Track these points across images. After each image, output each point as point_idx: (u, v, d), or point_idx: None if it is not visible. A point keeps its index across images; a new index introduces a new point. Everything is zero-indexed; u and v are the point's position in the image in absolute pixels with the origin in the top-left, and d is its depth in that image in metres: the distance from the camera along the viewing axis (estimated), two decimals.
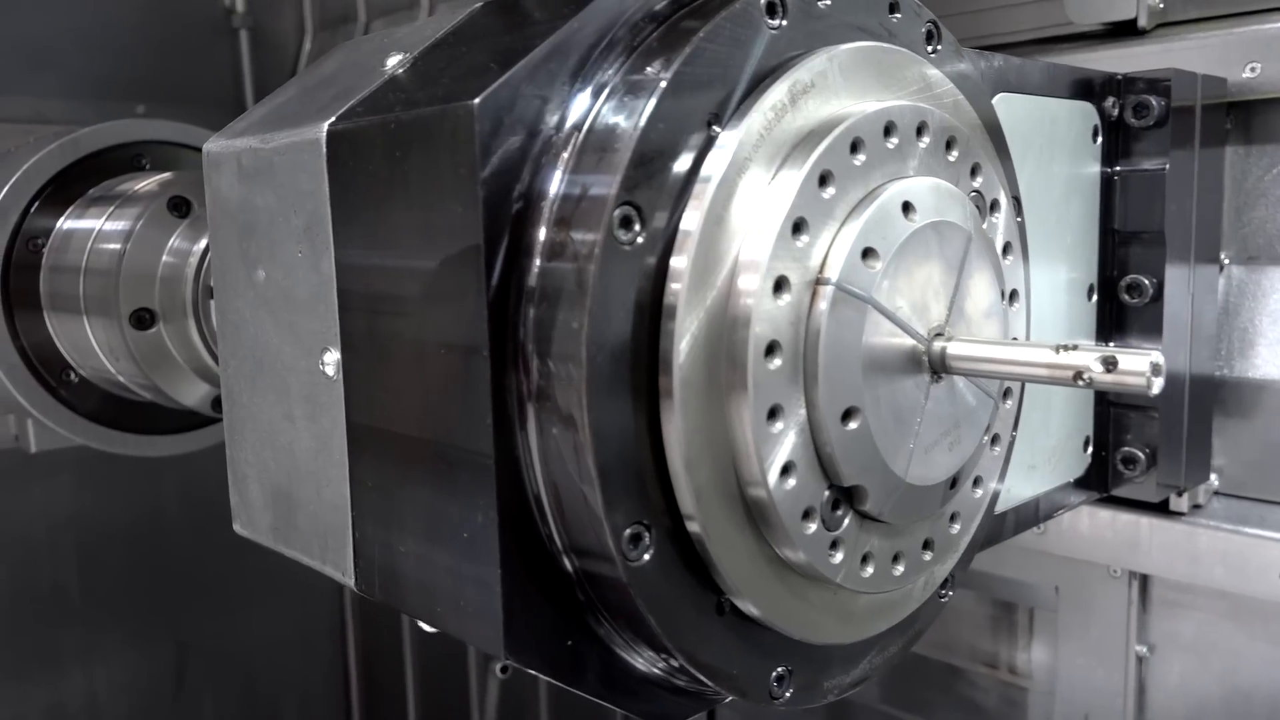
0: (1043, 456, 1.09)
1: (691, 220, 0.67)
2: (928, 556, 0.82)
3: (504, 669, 1.98)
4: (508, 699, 2.50)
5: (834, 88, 0.74)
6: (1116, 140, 1.15)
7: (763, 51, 0.72)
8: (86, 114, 2.20)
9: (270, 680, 2.91)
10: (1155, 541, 1.35)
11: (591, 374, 0.64)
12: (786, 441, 0.69)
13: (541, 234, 0.67)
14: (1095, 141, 1.13)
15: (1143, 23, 1.35)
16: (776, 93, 0.70)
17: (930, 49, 0.84)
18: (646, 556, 0.68)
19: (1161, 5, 1.35)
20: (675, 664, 0.73)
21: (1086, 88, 1.12)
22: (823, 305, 0.69)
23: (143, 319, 1.41)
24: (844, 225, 0.71)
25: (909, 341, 0.74)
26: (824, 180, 0.70)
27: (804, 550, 0.72)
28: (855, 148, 0.72)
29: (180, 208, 1.43)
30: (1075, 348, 0.72)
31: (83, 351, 1.58)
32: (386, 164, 0.73)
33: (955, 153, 0.80)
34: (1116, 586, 1.44)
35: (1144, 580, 1.45)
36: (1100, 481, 1.20)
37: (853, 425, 0.71)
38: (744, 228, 0.68)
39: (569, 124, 0.69)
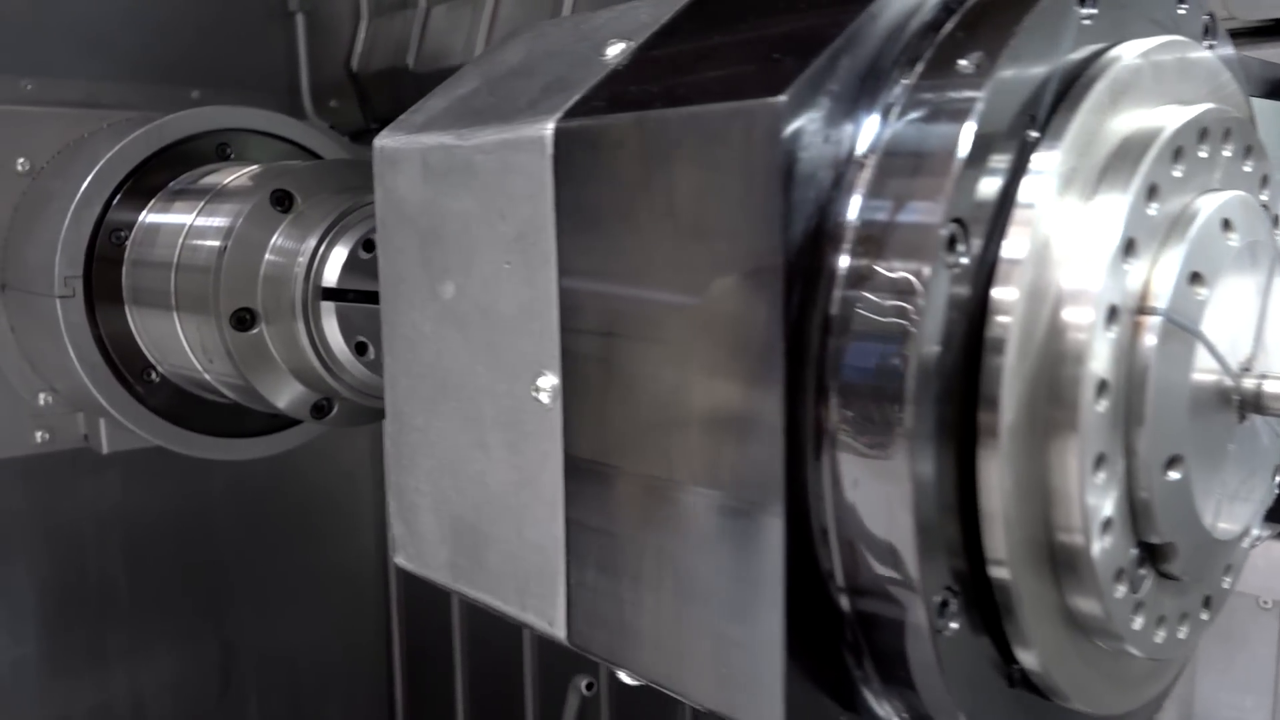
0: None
1: (1018, 243, 0.57)
2: (1205, 615, 0.73)
3: (589, 685, 1.88)
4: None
5: (1146, 88, 0.64)
6: None
7: (1071, 46, 0.62)
8: (139, 98, 2.09)
9: (315, 681, 2.82)
10: None
11: (917, 415, 0.54)
12: (1110, 492, 0.60)
13: (844, 255, 0.57)
14: None
15: None
16: (1097, 94, 0.61)
17: (1207, 43, 0.75)
18: (954, 625, 0.59)
19: None
20: None
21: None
22: (1150, 339, 0.60)
23: (243, 319, 1.31)
24: (1166, 246, 0.62)
25: (1223, 379, 0.65)
26: (1151, 194, 0.61)
27: (1112, 614, 0.62)
28: (1177, 157, 0.63)
29: (283, 202, 1.32)
30: None
31: (168, 350, 1.47)
32: (639, 167, 0.63)
33: (1251, 162, 0.70)
34: (1266, 619, 1.35)
35: None
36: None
37: (1175, 475, 0.62)
38: (1068, 249, 0.58)
39: (867, 127, 0.59)
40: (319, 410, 1.38)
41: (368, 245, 1.28)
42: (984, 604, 0.60)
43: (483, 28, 1.95)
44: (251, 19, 2.63)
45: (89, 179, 1.45)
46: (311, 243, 1.27)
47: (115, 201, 1.48)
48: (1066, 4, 0.61)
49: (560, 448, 0.70)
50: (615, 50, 0.71)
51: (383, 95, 2.13)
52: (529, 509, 0.74)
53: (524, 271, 0.71)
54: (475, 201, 0.74)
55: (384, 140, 0.82)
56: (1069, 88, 0.61)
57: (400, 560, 0.87)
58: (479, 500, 0.78)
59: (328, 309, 1.26)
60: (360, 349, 1.28)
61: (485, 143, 0.72)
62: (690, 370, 0.61)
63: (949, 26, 0.61)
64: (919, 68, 0.60)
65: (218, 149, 1.56)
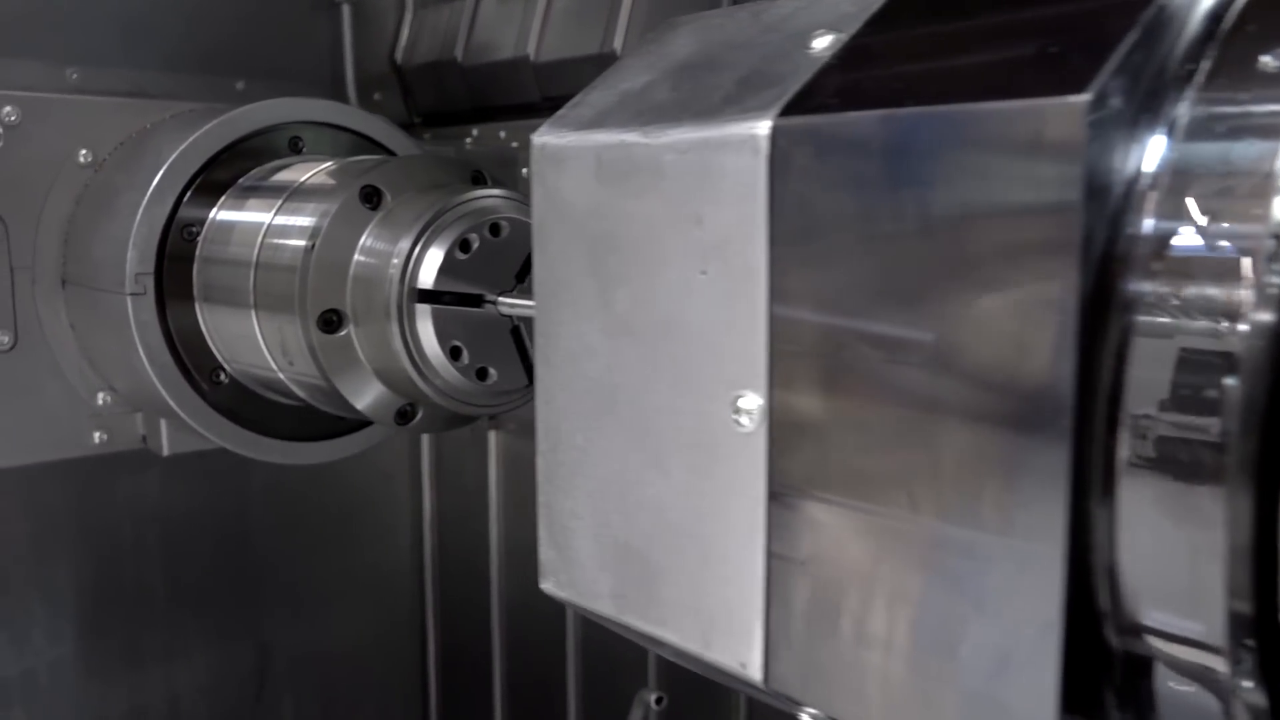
0: None
1: None
2: None
3: (659, 700, 1.82)
4: None
5: None
6: None
7: None
8: (183, 89, 2.02)
9: (350, 684, 2.76)
10: None
11: (1238, 452, 0.48)
12: None
13: (1140, 278, 0.51)
14: None
15: None
16: None
17: None
18: (1248, 682, 0.52)
19: None
20: None
21: None
22: None
23: (330, 321, 1.24)
24: None
25: None
26: None
27: None
28: None
29: (372, 199, 1.25)
30: None
31: (240, 350, 1.40)
32: (884, 171, 0.56)
33: None
34: None
35: None
36: None
37: None
38: None
39: (1155, 135, 0.53)
40: (403, 416, 1.31)
41: (463, 246, 1.21)
42: (1266, 653, 0.54)
43: (536, 22, 1.88)
44: (296, 9, 2.55)
45: (161, 172, 1.38)
46: (405, 244, 1.20)
47: (187, 196, 1.41)
48: None
49: (763, 475, 0.64)
50: (824, 42, 0.65)
51: (427, 89, 2.06)
52: (718, 540, 0.67)
53: (724, 282, 0.64)
54: (663, 205, 0.67)
55: (545, 138, 0.75)
56: None
57: (549, 587, 0.80)
58: (652, 528, 0.71)
59: (423, 312, 1.20)
60: (454, 353, 1.21)
61: (679, 141, 0.66)
62: (947, 398, 0.55)
63: (1233, 16, 0.55)
64: (1205, 64, 0.54)
65: (290, 142, 1.48)
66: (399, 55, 2.16)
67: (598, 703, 2.31)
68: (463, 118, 1.95)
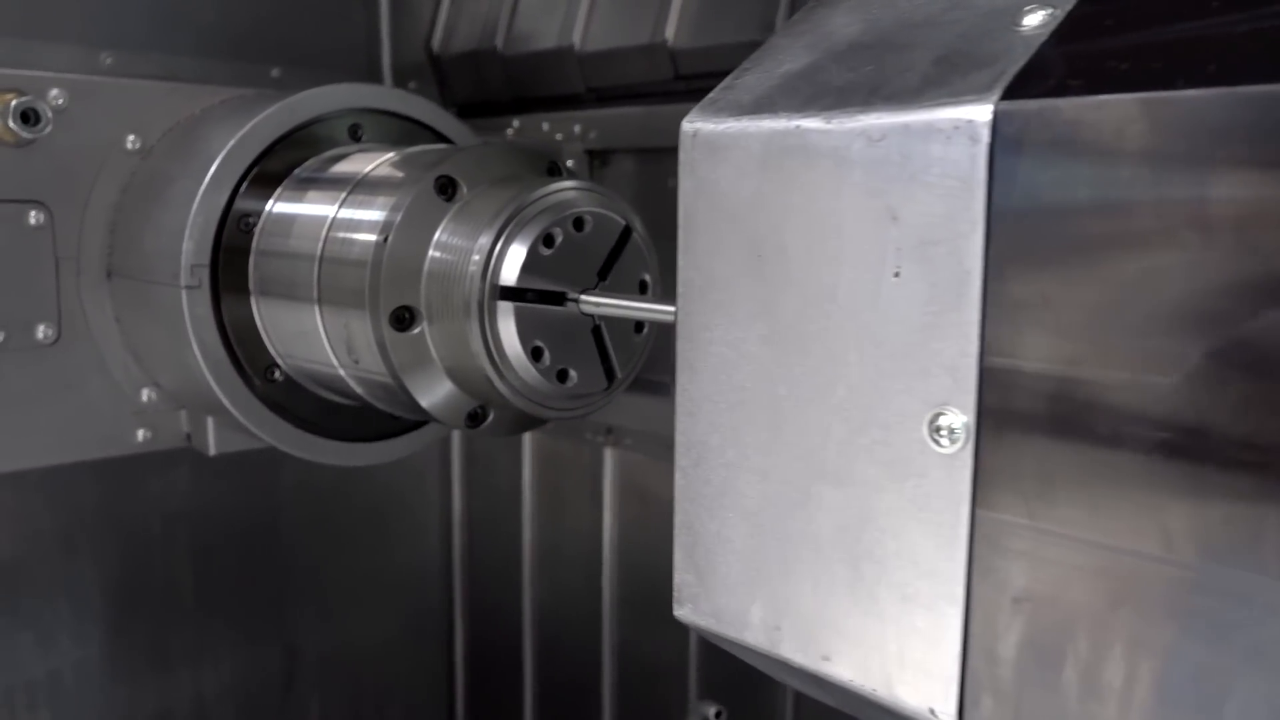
0: None
1: None
2: None
3: (719, 714, 1.74)
4: None
5: None
6: None
7: None
8: (218, 75, 1.95)
9: (377, 686, 2.70)
10: None
11: None
12: None
13: None
14: None
15: None
16: None
17: None
18: None
19: None
20: None
21: None
22: None
23: (402, 318, 1.16)
24: None
25: None
26: None
27: None
28: None
29: (447, 190, 1.18)
30: None
31: (298, 346, 1.33)
32: (1147, 162, 0.49)
33: None
34: None
35: None
36: None
37: None
38: None
39: None
40: (473, 418, 1.24)
41: (547, 241, 1.14)
42: None
43: (582, 10, 1.80)
44: None
45: (219, 159, 1.30)
46: (486, 239, 1.12)
47: (244, 185, 1.33)
48: None
49: (967, 502, 0.57)
50: (1037, 18, 0.58)
51: (464, 78, 1.98)
52: (905, 570, 0.60)
53: (923, 286, 0.57)
54: (848, 198, 0.60)
55: (697, 124, 0.67)
56: None
57: (684, 613, 0.73)
58: (821, 554, 0.64)
59: (504, 310, 1.12)
60: (535, 354, 1.14)
61: (872, 127, 0.58)
62: (1219, 421, 0.48)
63: None
64: None
65: (350, 129, 1.41)
66: (435, 44, 2.08)
67: (635, 711, 2.25)
68: (501, 109, 1.87)
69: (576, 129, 1.74)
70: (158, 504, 2.23)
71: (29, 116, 1.36)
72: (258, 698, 2.51)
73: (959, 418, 0.56)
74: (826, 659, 0.64)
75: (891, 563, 0.60)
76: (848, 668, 0.63)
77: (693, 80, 1.57)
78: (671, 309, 0.96)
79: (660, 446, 1.74)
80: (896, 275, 0.58)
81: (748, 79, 0.69)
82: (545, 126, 1.80)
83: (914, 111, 0.56)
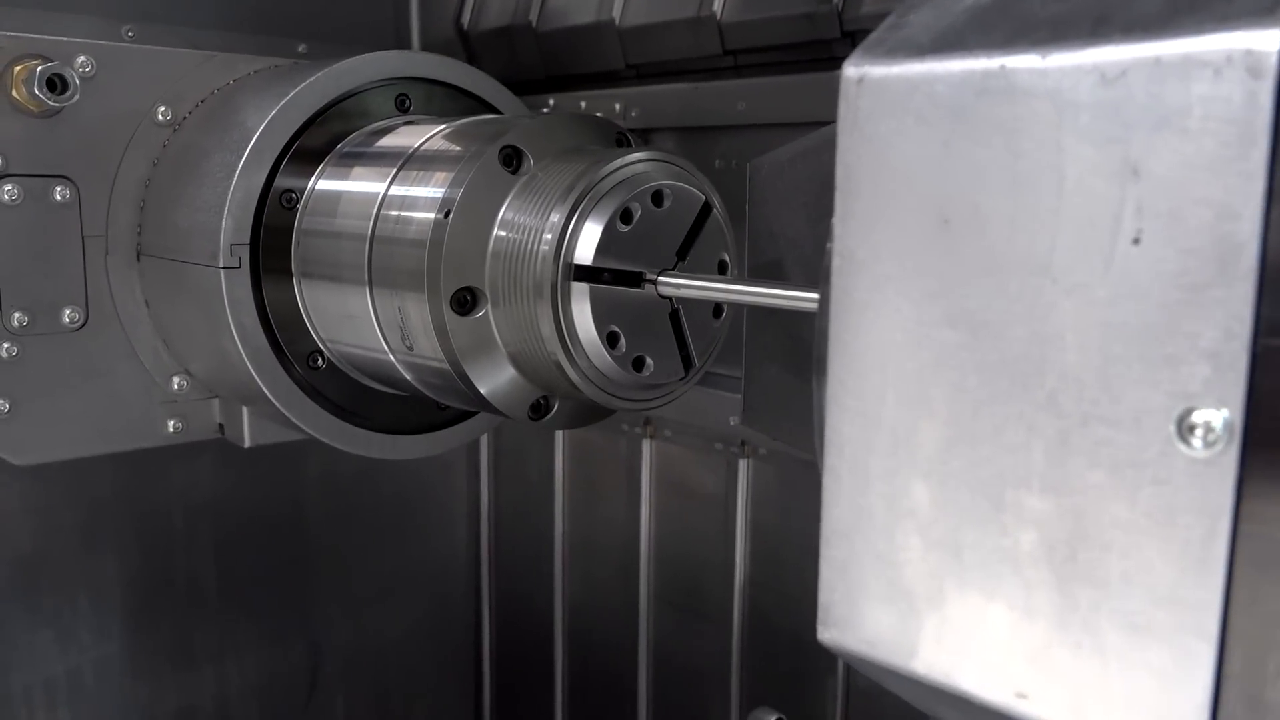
0: None
1: None
2: None
3: None
4: None
5: None
6: None
7: None
8: (243, 49, 1.84)
9: (402, 683, 2.59)
10: None
11: None
12: None
13: None
14: None
15: None
16: None
17: None
18: None
19: None
20: None
21: None
22: None
23: (464, 300, 1.06)
24: None
25: None
26: None
27: None
28: None
29: (512, 162, 1.07)
30: None
31: (345, 330, 1.22)
32: None
33: None
34: None
35: None
36: None
37: None
38: None
39: None
40: (536, 410, 1.13)
41: (624, 217, 1.03)
42: None
43: None
44: None
45: (260, 131, 1.19)
46: (558, 215, 1.01)
47: (287, 159, 1.22)
48: None
49: (1227, 515, 0.46)
50: None
51: (496, 55, 1.87)
52: (1134, 596, 0.49)
53: (1172, 254, 0.46)
54: (1072, 150, 0.49)
55: (864, 68, 0.56)
56: None
57: (830, 637, 0.62)
58: (1016, 575, 0.53)
59: (579, 292, 1.01)
60: (611, 339, 1.03)
61: (1107, 63, 0.47)
62: None
63: None
64: None
65: (397, 100, 1.30)
66: (466, 19, 1.96)
67: (673, 715, 2.14)
68: (535, 86, 1.76)
69: (617, 107, 1.63)
70: (180, 496, 2.13)
71: (55, 84, 1.25)
72: (282, 695, 2.41)
73: (1217, 415, 0.46)
74: (1023, 696, 0.54)
75: (1117, 587, 0.50)
76: (1051, 708, 0.53)
77: (741, 55, 1.46)
78: (789, 292, 0.86)
79: (701, 439, 1.64)
80: (1136, 242, 0.47)
81: (920, 15, 0.58)
82: (583, 105, 1.69)
83: (1167, 40, 0.46)
